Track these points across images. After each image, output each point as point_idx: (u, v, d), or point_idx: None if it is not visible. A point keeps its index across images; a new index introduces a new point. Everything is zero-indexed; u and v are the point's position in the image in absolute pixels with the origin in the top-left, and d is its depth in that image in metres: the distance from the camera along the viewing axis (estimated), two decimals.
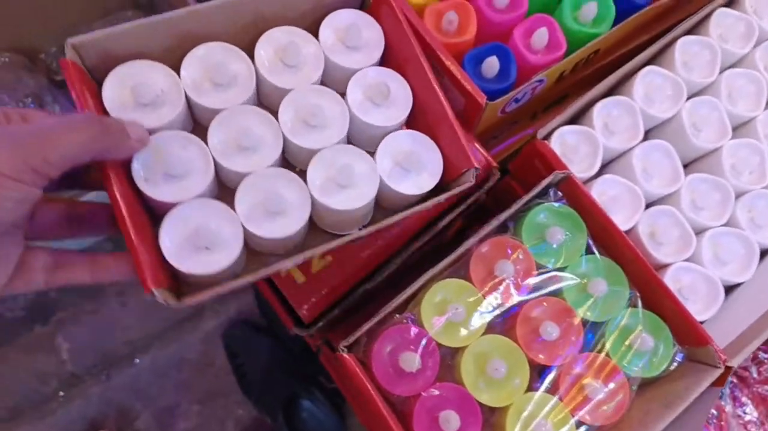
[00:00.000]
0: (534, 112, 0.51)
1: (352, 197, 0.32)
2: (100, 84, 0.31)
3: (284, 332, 0.94)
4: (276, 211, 0.31)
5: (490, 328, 0.36)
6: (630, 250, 0.37)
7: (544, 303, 0.36)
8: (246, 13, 0.34)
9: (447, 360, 0.36)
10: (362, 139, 0.36)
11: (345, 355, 0.34)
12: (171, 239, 0.30)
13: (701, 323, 0.40)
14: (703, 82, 0.44)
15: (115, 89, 0.31)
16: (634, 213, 0.41)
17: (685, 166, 0.44)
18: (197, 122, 0.35)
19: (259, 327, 0.95)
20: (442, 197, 0.34)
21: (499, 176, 0.42)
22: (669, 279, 0.40)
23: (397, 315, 0.36)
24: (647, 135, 0.45)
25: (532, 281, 0.36)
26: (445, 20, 0.42)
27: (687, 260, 0.41)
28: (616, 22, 0.44)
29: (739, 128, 0.45)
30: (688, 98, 0.44)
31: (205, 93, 0.32)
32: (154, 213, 0.32)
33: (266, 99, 0.36)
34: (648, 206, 0.42)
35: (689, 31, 0.45)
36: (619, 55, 0.49)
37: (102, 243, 0.88)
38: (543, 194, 0.39)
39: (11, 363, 0.90)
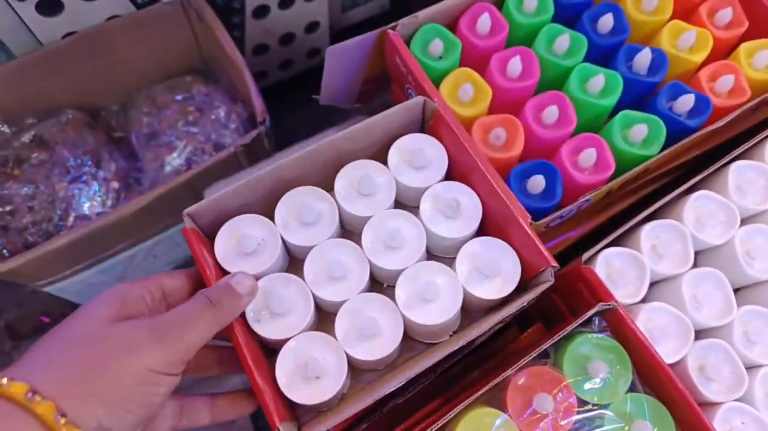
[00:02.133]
0: (578, 220, 0.51)
1: (437, 311, 0.35)
2: (212, 238, 0.37)
3: None
4: (371, 334, 0.35)
5: None
6: (677, 391, 0.35)
7: None
8: (327, 153, 0.39)
9: None
10: (440, 250, 0.40)
11: None
12: (285, 375, 0.34)
13: None
14: (757, 209, 0.43)
15: (223, 244, 0.37)
16: (682, 345, 0.39)
17: (736, 290, 0.43)
18: (292, 257, 0.40)
19: None
20: (524, 301, 0.35)
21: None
22: (719, 421, 0.38)
23: None
24: (697, 257, 0.43)
25: (573, 418, 0.35)
26: (492, 135, 0.42)
27: (738, 399, 0.39)
28: (666, 141, 0.43)
29: None
30: (742, 224, 0.43)
31: (296, 232, 0.38)
32: (266, 347, 0.37)
33: (349, 226, 0.41)
34: (698, 334, 0.41)
35: (743, 155, 0.44)
36: (667, 170, 0.48)
37: None
38: (587, 323, 0.38)
39: None
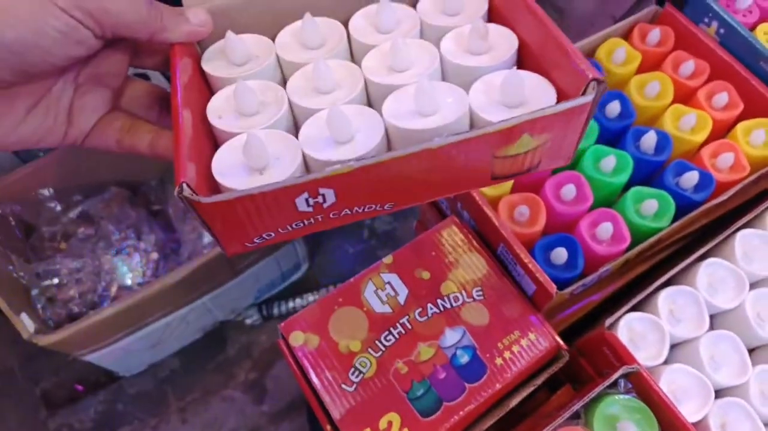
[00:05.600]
0: (599, 285, 0.54)
1: (437, 120, 0.28)
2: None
3: None
4: (345, 140, 0.28)
5: None
6: None
7: None
8: None
9: None
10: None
11: None
12: (225, 158, 0.29)
13: None
14: (764, 274, 0.47)
15: (212, 54, 0.33)
16: (704, 404, 0.42)
17: (751, 351, 0.46)
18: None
19: None
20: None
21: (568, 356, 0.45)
22: None
23: None
24: (713, 320, 0.47)
25: None
26: (517, 212, 0.47)
27: None
28: (676, 213, 0.47)
29: None
30: (751, 288, 0.46)
31: (293, 52, 0.33)
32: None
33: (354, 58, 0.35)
34: (717, 392, 0.43)
35: (747, 224, 0.48)
36: (678, 238, 0.52)
37: None
38: (613, 384, 0.41)
39: None
